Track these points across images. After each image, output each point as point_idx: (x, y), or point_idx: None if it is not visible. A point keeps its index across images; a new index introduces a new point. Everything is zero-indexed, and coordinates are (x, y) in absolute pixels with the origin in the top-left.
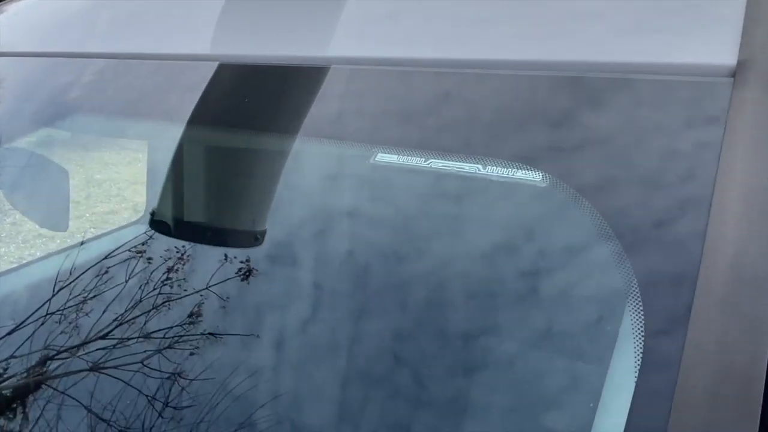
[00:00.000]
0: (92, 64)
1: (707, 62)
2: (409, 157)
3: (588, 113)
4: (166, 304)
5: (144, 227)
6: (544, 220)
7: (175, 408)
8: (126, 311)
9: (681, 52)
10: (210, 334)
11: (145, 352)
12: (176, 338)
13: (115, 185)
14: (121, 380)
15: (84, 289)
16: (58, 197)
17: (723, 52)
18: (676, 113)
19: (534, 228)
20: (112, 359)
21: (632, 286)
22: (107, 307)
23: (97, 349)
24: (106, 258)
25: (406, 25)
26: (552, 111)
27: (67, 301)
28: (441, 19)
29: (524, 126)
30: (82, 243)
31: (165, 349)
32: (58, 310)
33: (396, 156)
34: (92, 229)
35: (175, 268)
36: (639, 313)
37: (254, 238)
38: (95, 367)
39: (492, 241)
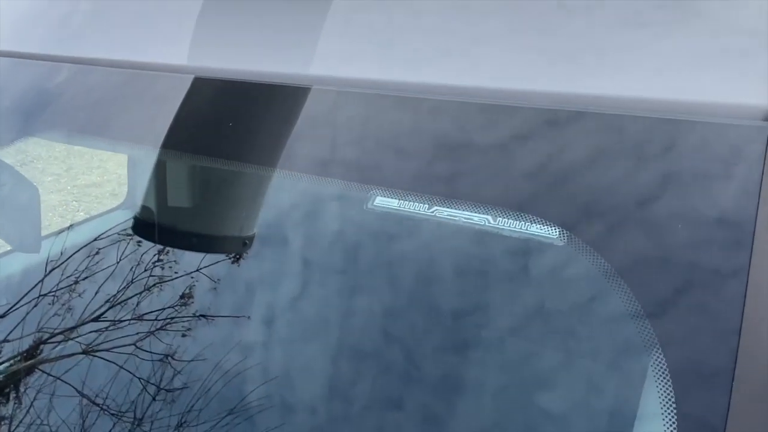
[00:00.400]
0: (58, 69)
1: (739, 103)
2: (405, 198)
3: (604, 155)
4: (151, 289)
5: (127, 212)
6: (558, 285)
7: (160, 388)
8: (109, 298)
9: (711, 92)
10: (197, 317)
11: (126, 336)
12: (160, 322)
13: (97, 156)
14: (106, 362)
15: (68, 276)
16: (28, 216)
17: (756, 93)
18: (705, 161)
19: (548, 294)
20: (95, 343)
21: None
22: (97, 289)
23: (80, 335)
24: (90, 243)
25: (400, 44)
26: (567, 151)
27: (53, 286)
28: (453, 40)
29: (537, 171)
30: (70, 226)
31: (146, 333)
32: (40, 296)
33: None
34: (74, 202)
35: (165, 250)
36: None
37: (242, 244)
38: (75, 352)
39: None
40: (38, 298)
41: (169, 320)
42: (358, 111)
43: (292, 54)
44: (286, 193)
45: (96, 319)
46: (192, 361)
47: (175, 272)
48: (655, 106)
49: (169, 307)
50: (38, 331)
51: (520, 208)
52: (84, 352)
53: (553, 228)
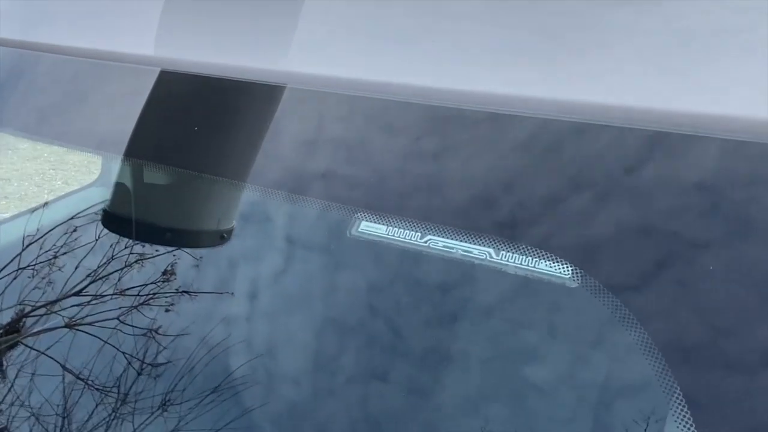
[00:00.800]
0: (8, 55)
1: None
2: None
3: (611, 172)
4: (131, 265)
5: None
6: (570, 329)
7: (141, 361)
8: (88, 273)
9: (726, 106)
10: (175, 293)
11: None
12: (136, 299)
13: None
14: (88, 337)
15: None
16: None
17: None
18: (721, 181)
19: (559, 341)
20: (76, 318)
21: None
22: (76, 265)
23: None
24: (62, 223)
25: (387, 44)
26: (570, 165)
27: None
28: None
29: (543, 197)
30: (45, 204)
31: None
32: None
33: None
34: (51, 171)
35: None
36: None
37: (220, 237)
38: (56, 326)
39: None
40: (17, 271)
41: (145, 297)
42: (340, 113)
43: (268, 48)
44: (256, 210)
45: (76, 294)
46: (165, 335)
47: (156, 251)
48: (655, 117)
49: (149, 284)
50: (18, 305)
51: (522, 238)
52: (67, 326)
53: (565, 265)
